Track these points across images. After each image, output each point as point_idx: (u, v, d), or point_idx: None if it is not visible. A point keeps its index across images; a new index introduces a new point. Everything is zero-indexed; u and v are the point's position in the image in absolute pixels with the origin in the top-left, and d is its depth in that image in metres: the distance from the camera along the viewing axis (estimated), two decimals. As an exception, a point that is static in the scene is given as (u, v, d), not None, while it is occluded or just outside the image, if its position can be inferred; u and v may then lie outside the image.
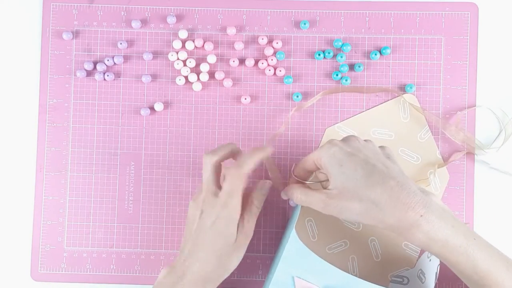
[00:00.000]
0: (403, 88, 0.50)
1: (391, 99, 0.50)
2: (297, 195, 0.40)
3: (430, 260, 0.45)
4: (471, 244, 0.35)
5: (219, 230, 0.41)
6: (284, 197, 0.44)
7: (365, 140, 0.40)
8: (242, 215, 0.42)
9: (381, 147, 0.40)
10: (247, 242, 0.42)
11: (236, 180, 0.40)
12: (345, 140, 0.40)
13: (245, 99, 0.49)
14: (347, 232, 0.49)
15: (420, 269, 0.47)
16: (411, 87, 0.49)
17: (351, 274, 0.38)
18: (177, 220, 0.50)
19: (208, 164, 0.42)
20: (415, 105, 0.49)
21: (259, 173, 0.50)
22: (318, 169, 0.40)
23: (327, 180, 0.39)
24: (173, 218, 0.50)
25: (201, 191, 0.42)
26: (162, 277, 0.41)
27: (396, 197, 0.35)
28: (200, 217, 0.41)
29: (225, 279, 0.42)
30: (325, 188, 0.40)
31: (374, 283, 0.38)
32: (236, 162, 0.41)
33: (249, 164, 0.41)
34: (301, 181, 0.43)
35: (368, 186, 0.36)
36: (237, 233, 0.41)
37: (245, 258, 0.50)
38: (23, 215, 0.50)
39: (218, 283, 0.42)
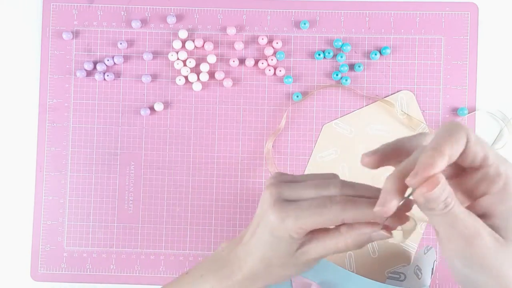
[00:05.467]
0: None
1: (389, 95, 0.50)
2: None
3: (426, 255, 0.45)
4: None
5: (266, 239, 0.30)
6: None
7: None
8: (321, 240, 0.30)
9: None
10: (298, 271, 0.32)
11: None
12: None
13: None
14: None
15: (417, 265, 0.47)
16: (463, 111, 0.49)
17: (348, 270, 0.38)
18: (177, 220, 0.50)
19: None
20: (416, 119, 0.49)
21: (259, 171, 0.50)
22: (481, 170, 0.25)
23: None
24: (173, 218, 0.50)
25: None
26: (220, 250, 0.35)
27: None
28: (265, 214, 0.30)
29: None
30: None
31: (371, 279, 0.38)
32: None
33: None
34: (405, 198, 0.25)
35: None
36: (295, 252, 0.30)
37: (245, 258, 0.50)
38: (23, 215, 0.50)
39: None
